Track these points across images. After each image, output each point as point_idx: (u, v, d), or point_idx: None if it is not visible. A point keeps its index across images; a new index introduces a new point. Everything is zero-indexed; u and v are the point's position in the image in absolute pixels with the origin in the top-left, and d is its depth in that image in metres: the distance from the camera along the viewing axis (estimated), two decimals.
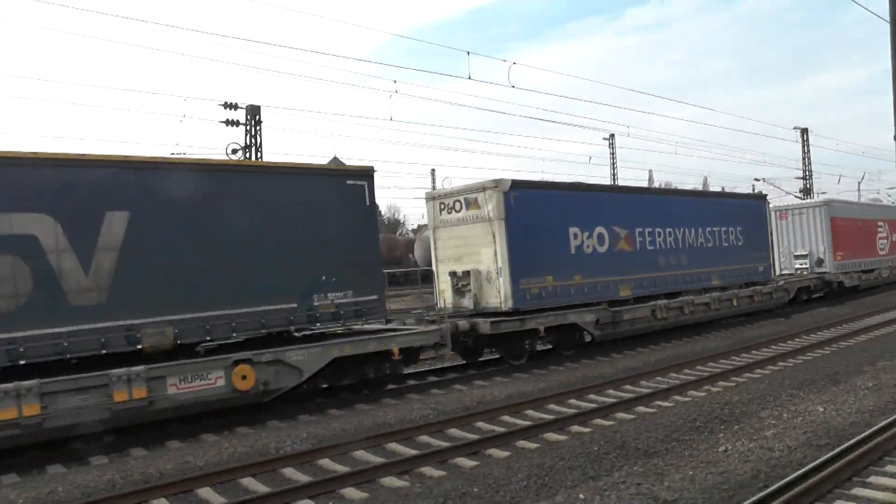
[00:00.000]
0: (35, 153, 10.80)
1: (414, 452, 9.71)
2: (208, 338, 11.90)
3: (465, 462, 9.17)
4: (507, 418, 11.59)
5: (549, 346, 18.02)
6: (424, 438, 10.56)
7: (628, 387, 13.75)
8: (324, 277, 13.04)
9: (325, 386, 13.76)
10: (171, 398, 10.97)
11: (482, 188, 16.55)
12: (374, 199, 14.01)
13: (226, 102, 31.48)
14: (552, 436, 10.27)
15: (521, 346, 16.85)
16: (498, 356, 17.54)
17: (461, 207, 16.96)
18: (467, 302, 16.66)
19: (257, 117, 32.33)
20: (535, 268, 16.65)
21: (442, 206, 17.45)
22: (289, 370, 12.21)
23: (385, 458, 9.54)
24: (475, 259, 16.66)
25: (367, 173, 14.04)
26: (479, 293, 16.56)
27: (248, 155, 30.87)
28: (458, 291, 16.87)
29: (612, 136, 57.05)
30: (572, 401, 12.67)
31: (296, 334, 13.28)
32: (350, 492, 8.29)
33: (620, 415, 11.36)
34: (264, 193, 12.67)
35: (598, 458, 8.81)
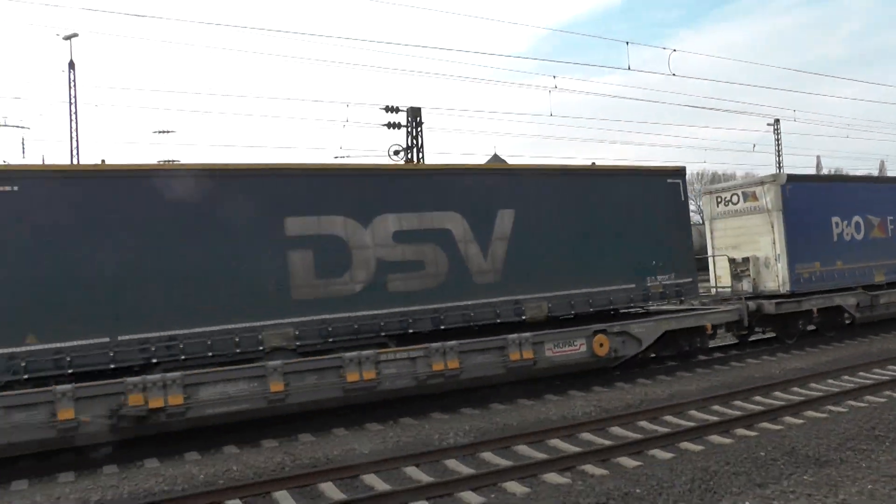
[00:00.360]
0: (448, 165, 14.70)
1: (576, 449, 9.72)
2: (572, 312, 14.33)
3: (628, 462, 9.09)
4: (669, 418, 11.40)
5: (814, 328, 19.26)
6: (586, 436, 10.55)
7: (796, 389, 13.16)
8: (653, 262, 15.30)
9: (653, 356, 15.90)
10: (548, 359, 13.32)
11: (760, 182, 18.50)
12: (686, 194, 16.35)
13: (387, 106, 32.47)
14: (716, 438, 10.00)
15: (795, 326, 18.39)
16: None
17: (738, 200, 18.81)
18: (745, 286, 18.31)
19: (418, 119, 33.11)
20: (806, 254, 18.28)
21: (719, 200, 19.29)
22: (632, 340, 14.44)
23: (547, 455, 9.60)
24: (753, 247, 18.40)
25: (681, 173, 16.31)
26: (757, 277, 18.32)
27: (409, 156, 31.72)
28: (736, 276, 18.60)
29: (777, 121, 54.50)
30: (737, 402, 12.27)
31: (622, 311, 15.69)
32: (512, 486, 8.39)
33: (788, 419, 10.89)
34: (613, 192, 15.11)
35: (765, 465, 8.48)
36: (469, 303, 13.14)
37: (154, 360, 10.91)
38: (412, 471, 9.26)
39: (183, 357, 11.05)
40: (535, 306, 13.77)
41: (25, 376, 10.14)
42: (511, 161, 57.90)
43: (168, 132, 50.98)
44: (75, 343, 10.39)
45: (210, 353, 11.23)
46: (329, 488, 8.76)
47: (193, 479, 9.45)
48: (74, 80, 38.98)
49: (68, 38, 37.54)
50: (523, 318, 13.65)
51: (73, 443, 10.29)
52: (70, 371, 10.37)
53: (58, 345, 10.28)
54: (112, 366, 10.65)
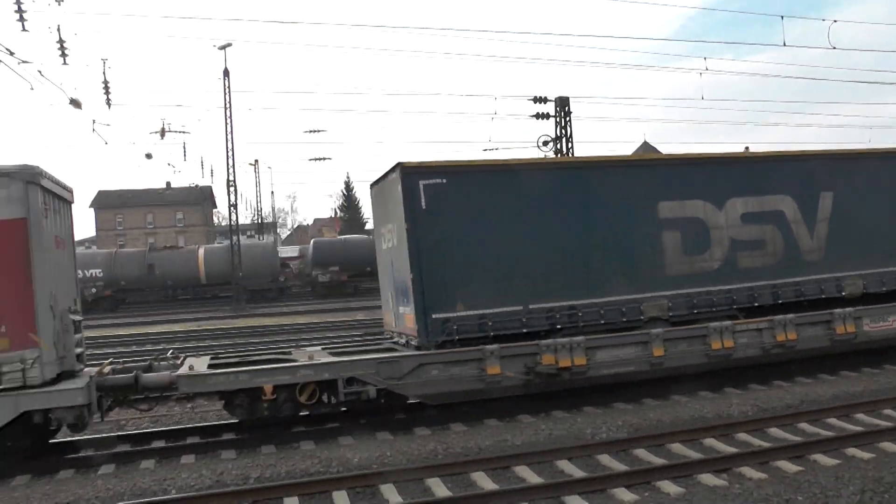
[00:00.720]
0: (781, 152, 15.58)
1: (733, 450, 9.40)
2: (883, 289, 14.92)
3: (788, 466, 8.67)
4: (833, 421, 10.76)
5: None
6: (743, 436, 10.16)
7: None
8: None
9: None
10: (865, 334, 14.09)
11: None
12: None
13: (535, 96, 32.42)
14: (889, 446, 9.29)
15: None
16: None
17: None
18: None
19: (566, 108, 32.87)
20: None
21: None
22: None
23: (702, 454, 9.34)
24: None
25: None
26: None
27: (559, 146, 31.53)
28: None
29: None
30: None
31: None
32: (666, 485, 8.21)
33: None
34: None
35: None
36: (800, 279, 14.25)
37: (558, 326, 12.59)
38: (564, 464, 9.23)
39: (581, 324, 12.68)
40: (851, 283, 14.65)
41: (457, 337, 12.00)
42: (661, 149, 56.39)
43: (318, 131, 52.78)
44: (495, 310, 12.23)
45: (602, 322, 12.86)
46: (481, 478, 8.86)
47: (348, 462, 9.82)
48: (229, 87, 41.45)
49: (222, 48, 39.91)
50: (843, 294, 14.52)
51: (493, 395, 12.03)
52: (491, 334, 12.17)
53: (482, 311, 12.15)
54: (524, 330, 12.36)
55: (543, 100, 32.54)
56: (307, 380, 11.32)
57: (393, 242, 13.02)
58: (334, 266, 47.69)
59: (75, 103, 22.42)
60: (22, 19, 17.17)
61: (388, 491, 8.60)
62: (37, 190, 10.24)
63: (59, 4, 18.64)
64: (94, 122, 30.24)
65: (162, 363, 12.09)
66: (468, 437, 10.73)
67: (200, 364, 11.97)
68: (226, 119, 41.63)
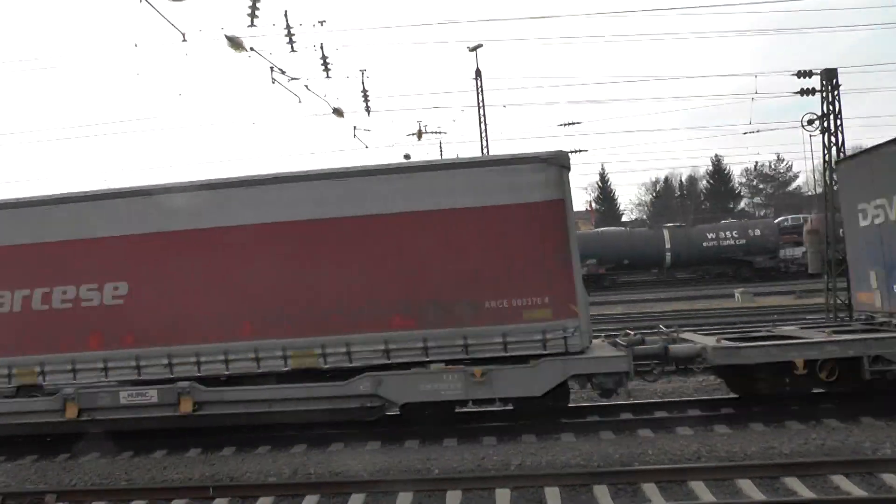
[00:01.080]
0: None
1: None
2: None
3: None
4: None
5: None
6: None
7: None
8: None
9: None
10: None
11: None
12: None
13: (799, 71, 30.26)
14: None
15: None
16: None
17: None
18: None
19: (833, 81, 30.38)
20: None
21: None
22: None
23: None
24: None
25: None
26: None
27: (825, 124, 29.28)
28: None
29: None
30: None
31: None
32: None
33: None
34: None
35: None
36: None
37: None
38: (840, 480, 8.63)
39: None
40: None
41: None
42: None
43: (573, 124, 52.60)
44: None
45: None
46: (747, 486, 8.57)
47: (608, 457, 9.87)
48: (481, 87, 42.49)
49: (473, 49, 41.00)
50: None
51: None
52: None
53: None
54: None
55: (808, 74, 30.30)
56: (831, 356, 11.35)
57: (886, 217, 12.49)
58: (591, 259, 47.42)
59: (338, 112, 24.22)
60: (291, 42, 18.87)
61: (650, 490, 8.56)
62: (567, 174, 11.43)
63: (322, 25, 20.17)
64: (355, 128, 32.11)
65: (653, 336, 12.62)
66: (732, 440, 10.37)
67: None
68: (479, 117, 42.85)
